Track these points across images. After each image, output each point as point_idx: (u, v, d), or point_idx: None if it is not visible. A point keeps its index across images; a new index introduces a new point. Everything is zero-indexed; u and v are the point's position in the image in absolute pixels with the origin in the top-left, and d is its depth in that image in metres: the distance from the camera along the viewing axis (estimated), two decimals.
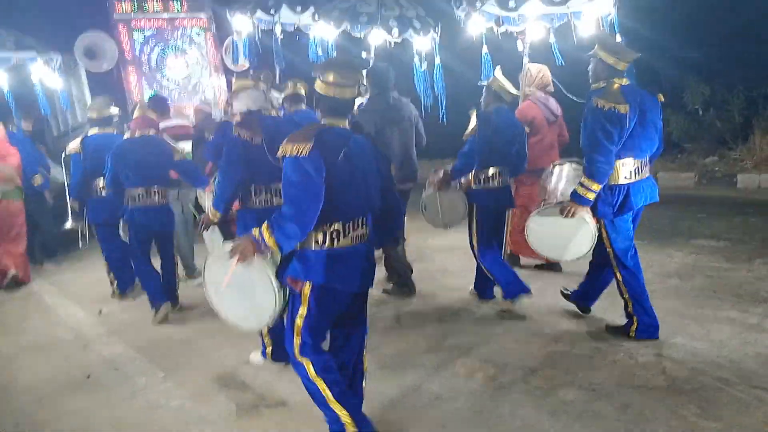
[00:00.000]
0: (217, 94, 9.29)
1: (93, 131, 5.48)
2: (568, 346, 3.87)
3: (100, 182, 5.25)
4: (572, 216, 3.73)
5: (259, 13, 6.54)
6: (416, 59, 6.90)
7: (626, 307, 3.90)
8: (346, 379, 2.87)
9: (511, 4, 5.36)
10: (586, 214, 3.75)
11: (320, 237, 2.65)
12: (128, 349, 4.15)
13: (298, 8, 6.44)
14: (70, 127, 8.21)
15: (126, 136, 5.08)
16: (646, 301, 3.86)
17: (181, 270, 5.59)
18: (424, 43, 6.73)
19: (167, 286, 5.06)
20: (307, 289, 2.68)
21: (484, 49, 6.25)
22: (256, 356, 3.91)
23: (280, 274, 2.69)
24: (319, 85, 2.75)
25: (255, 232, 2.62)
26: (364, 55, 7.15)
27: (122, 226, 4.93)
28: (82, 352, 4.15)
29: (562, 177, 4.20)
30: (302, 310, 2.70)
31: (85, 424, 3.21)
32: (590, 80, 3.81)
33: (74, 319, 4.88)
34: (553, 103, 5.52)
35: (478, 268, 4.82)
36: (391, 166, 2.96)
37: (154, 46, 9.18)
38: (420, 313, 4.73)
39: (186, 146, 6.24)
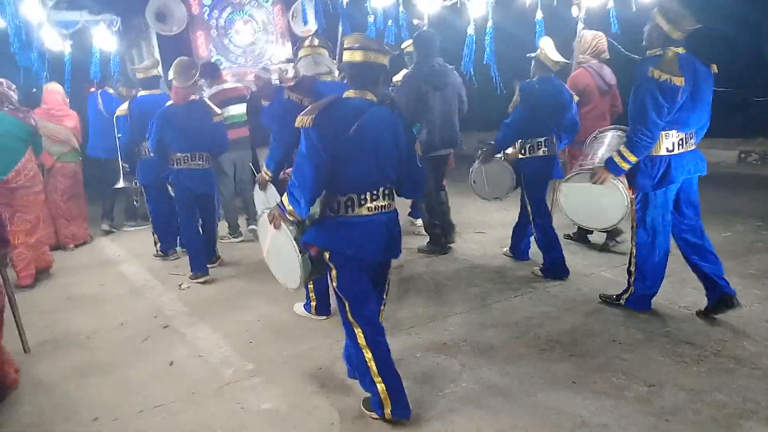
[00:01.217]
0: (282, 59, 9.21)
1: (140, 93, 5.69)
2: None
3: (148, 143, 5.34)
4: (601, 183, 3.69)
5: None
6: (470, 27, 6.76)
7: (629, 277, 3.95)
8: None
9: None
10: (620, 183, 3.70)
11: (335, 206, 2.79)
12: (209, 331, 4.13)
13: None
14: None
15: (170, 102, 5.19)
16: (653, 276, 3.86)
17: (225, 229, 6.32)
18: (478, 7, 6.58)
19: (207, 243, 5.50)
20: (326, 254, 2.85)
21: (539, 15, 6.26)
22: (299, 307, 4.30)
23: (300, 240, 2.89)
24: (344, 54, 2.81)
25: (281, 199, 2.87)
26: (416, 22, 7.18)
27: (170, 188, 5.33)
28: (162, 331, 4.20)
29: (604, 143, 4.14)
30: (333, 274, 2.87)
31: (172, 425, 3.01)
32: (644, 45, 3.67)
33: (154, 292, 5.06)
34: (607, 72, 5.40)
35: (516, 230, 5.15)
36: (416, 140, 2.96)
37: (223, 9, 9.03)
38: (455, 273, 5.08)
39: (236, 109, 6.41)
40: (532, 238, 5.08)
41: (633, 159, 3.55)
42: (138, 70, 5.78)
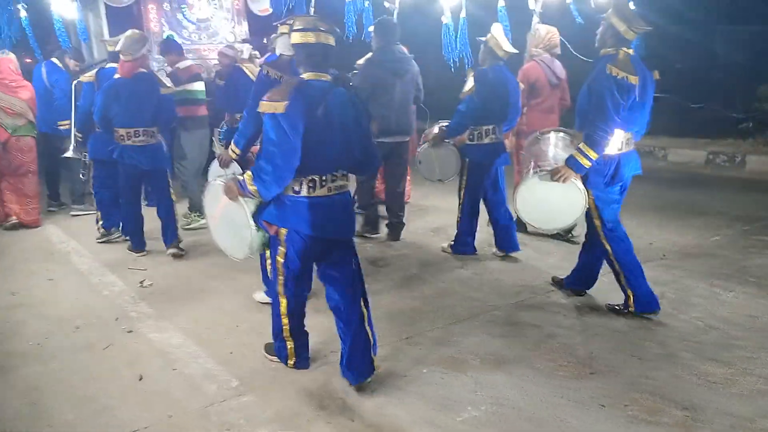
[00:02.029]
0: (238, 38, 8.85)
1: (110, 65, 5.39)
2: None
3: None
4: (564, 181, 3.67)
5: None
6: (445, 16, 6.74)
7: (619, 279, 3.88)
8: (341, 322, 3.05)
9: None
10: (578, 182, 3.70)
11: (297, 186, 2.82)
12: (181, 337, 3.64)
13: None
14: (88, 63, 7.70)
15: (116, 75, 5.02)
16: (640, 274, 3.82)
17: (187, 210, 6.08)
18: None
19: (166, 222, 5.24)
20: (283, 232, 2.90)
21: (500, 2, 6.33)
22: (260, 295, 4.12)
23: (257, 216, 2.94)
24: (293, 36, 2.83)
25: (241, 176, 2.87)
26: (387, 5, 7.07)
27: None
28: (126, 337, 3.69)
29: (550, 143, 4.15)
30: (280, 250, 2.94)
31: None
32: (596, 44, 3.73)
33: (113, 290, 4.51)
34: (558, 66, 5.47)
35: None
36: (371, 121, 3.09)
37: None
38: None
39: (197, 86, 6.16)
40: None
41: (594, 156, 3.57)
42: (109, 43, 5.51)
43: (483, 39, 4.81)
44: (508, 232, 5.02)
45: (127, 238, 5.45)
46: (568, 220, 3.94)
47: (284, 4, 7.06)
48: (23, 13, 6.22)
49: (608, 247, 3.82)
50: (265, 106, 2.70)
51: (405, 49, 5.36)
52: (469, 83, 4.72)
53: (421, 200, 7.10)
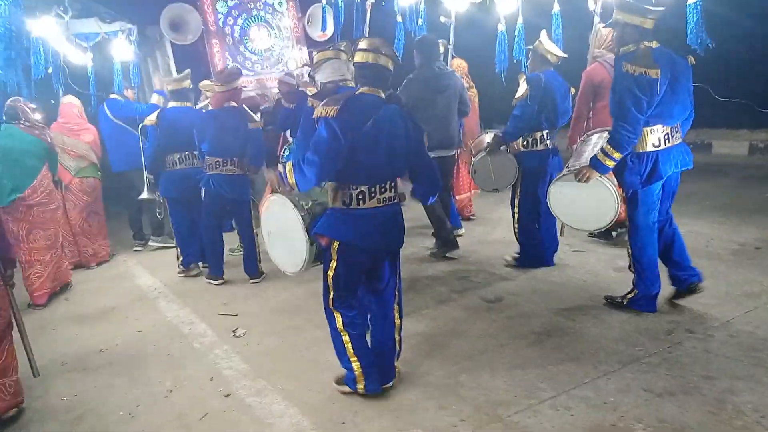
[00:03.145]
0: (299, 65, 8.84)
1: (171, 104, 5.52)
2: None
3: (174, 156, 5.45)
4: (586, 181, 3.65)
5: None
6: (500, 24, 6.66)
7: (629, 264, 3.90)
8: (378, 330, 3.18)
9: None
10: (608, 181, 3.65)
11: (347, 198, 2.91)
12: (284, 405, 3.19)
13: None
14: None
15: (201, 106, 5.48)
16: (651, 274, 3.79)
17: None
18: (508, 4, 6.48)
19: (247, 258, 5.40)
20: (335, 245, 2.95)
21: (555, 8, 6.20)
22: None
23: (311, 229, 3.03)
24: (356, 55, 2.97)
25: (282, 168, 3.00)
26: (442, 19, 7.06)
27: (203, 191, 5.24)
28: (223, 402, 3.26)
29: (590, 144, 4.04)
30: (332, 264, 2.99)
31: None
32: (615, 48, 3.65)
33: (203, 341, 4.09)
34: None
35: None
36: (424, 135, 3.12)
37: (237, 17, 8.80)
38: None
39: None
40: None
41: (617, 155, 3.52)
42: (169, 82, 5.66)
43: (530, 47, 4.85)
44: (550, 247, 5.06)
45: (206, 265, 5.59)
46: (602, 220, 3.85)
47: (338, 26, 7.27)
48: (90, 64, 6.71)
49: (629, 248, 3.83)
50: (319, 111, 2.83)
51: (452, 65, 5.74)
52: (522, 88, 4.67)
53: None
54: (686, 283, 3.83)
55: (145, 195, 6.19)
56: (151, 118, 5.46)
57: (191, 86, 5.64)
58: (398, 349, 3.26)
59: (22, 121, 4.94)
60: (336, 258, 2.97)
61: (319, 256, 3.12)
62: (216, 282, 5.35)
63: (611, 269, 4.85)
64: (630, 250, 3.82)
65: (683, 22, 4.26)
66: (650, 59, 3.37)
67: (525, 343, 3.64)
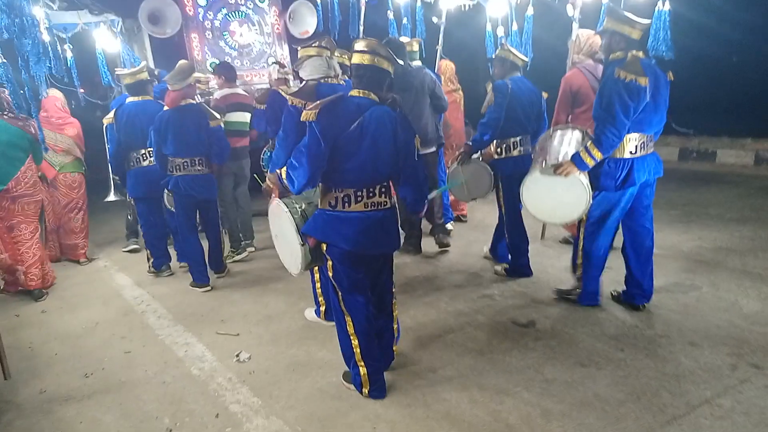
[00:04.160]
0: (271, 65, 8.75)
1: (128, 99, 5.23)
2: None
3: (138, 153, 5.21)
4: (566, 176, 3.68)
5: None
6: (488, 25, 6.84)
7: (575, 269, 4.15)
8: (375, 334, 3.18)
9: None
10: (584, 178, 3.69)
11: (332, 200, 2.93)
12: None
13: None
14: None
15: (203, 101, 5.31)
16: (596, 276, 4.07)
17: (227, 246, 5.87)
18: (498, 7, 6.59)
19: (213, 254, 5.32)
20: (323, 246, 3.00)
21: (530, 11, 6.29)
22: (309, 313, 4.28)
23: (301, 230, 3.03)
24: (353, 56, 2.94)
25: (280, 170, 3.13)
26: (435, 20, 7.05)
27: (166, 195, 5.03)
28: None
29: (572, 141, 3.98)
30: (329, 264, 3.04)
31: None
32: (604, 55, 3.76)
33: (203, 366, 3.59)
34: (601, 72, 5.09)
35: (497, 231, 5.13)
36: (415, 138, 3.06)
37: (218, 11, 8.73)
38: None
39: (238, 116, 5.92)
40: None
41: (599, 156, 3.61)
42: (125, 75, 5.28)
43: (495, 54, 4.85)
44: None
45: (183, 264, 5.55)
46: (572, 215, 3.84)
47: (329, 24, 7.39)
48: (69, 54, 6.57)
49: (581, 242, 4.03)
50: (303, 115, 2.83)
51: (440, 66, 5.94)
52: (489, 96, 4.65)
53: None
54: (634, 299, 4.09)
55: (111, 197, 6.24)
56: (109, 116, 5.21)
57: (149, 78, 5.31)
58: (396, 336, 3.42)
59: (6, 113, 4.77)
60: (330, 258, 3.02)
61: (316, 257, 3.12)
62: (202, 289, 5.08)
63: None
64: (580, 244, 4.03)
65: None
66: (639, 67, 3.49)
67: (575, 377, 3.27)
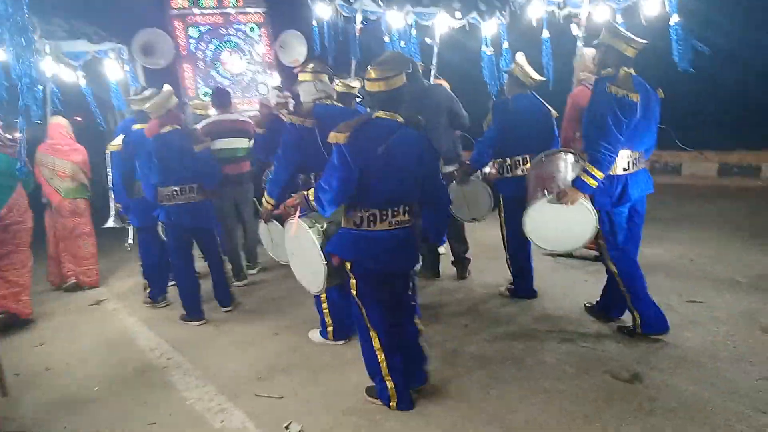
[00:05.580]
0: (270, 90, 8.70)
1: (135, 126, 5.16)
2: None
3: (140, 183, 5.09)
4: (572, 203, 3.60)
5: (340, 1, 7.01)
6: (483, 45, 7.12)
7: (626, 301, 3.90)
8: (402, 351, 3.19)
9: None
10: (587, 203, 3.64)
11: (357, 219, 2.98)
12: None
13: None
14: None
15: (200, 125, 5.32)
16: (645, 296, 3.84)
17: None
18: (490, 27, 6.81)
19: (218, 286, 5.13)
20: (348, 265, 3.03)
21: (545, 34, 6.44)
22: (314, 335, 4.30)
23: (325, 250, 3.06)
24: (366, 85, 2.98)
25: (306, 191, 3.12)
26: (428, 41, 7.38)
27: (160, 226, 4.94)
28: None
29: (568, 166, 3.94)
30: (352, 282, 3.06)
31: None
32: (596, 68, 3.76)
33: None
34: None
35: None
36: (440, 161, 3.14)
37: (209, 42, 9.14)
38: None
39: (233, 143, 5.91)
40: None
41: (600, 175, 3.55)
42: (133, 101, 5.29)
43: (506, 70, 4.77)
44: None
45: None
46: (579, 241, 3.76)
47: (331, 48, 7.50)
48: (82, 81, 6.87)
49: (614, 269, 3.88)
50: (332, 137, 2.86)
51: (439, 82, 5.67)
52: (489, 115, 4.63)
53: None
54: (609, 312, 4.16)
55: (110, 223, 6.22)
56: (116, 143, 5.21)
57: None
58: (425, 355, 3.36)
59: None
60: (353, 276, 3.04)
61: (337, 275, 3.11)
62: (197, 323, 4.94)
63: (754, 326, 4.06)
64: (618, 279, 3.87)
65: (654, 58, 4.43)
66: (631, 83, 3.49)
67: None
